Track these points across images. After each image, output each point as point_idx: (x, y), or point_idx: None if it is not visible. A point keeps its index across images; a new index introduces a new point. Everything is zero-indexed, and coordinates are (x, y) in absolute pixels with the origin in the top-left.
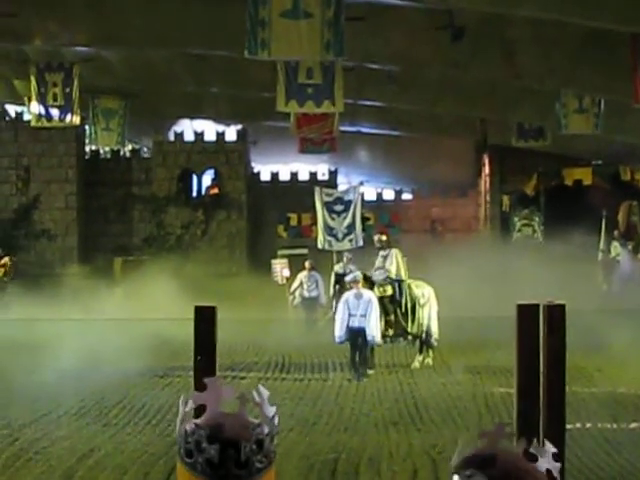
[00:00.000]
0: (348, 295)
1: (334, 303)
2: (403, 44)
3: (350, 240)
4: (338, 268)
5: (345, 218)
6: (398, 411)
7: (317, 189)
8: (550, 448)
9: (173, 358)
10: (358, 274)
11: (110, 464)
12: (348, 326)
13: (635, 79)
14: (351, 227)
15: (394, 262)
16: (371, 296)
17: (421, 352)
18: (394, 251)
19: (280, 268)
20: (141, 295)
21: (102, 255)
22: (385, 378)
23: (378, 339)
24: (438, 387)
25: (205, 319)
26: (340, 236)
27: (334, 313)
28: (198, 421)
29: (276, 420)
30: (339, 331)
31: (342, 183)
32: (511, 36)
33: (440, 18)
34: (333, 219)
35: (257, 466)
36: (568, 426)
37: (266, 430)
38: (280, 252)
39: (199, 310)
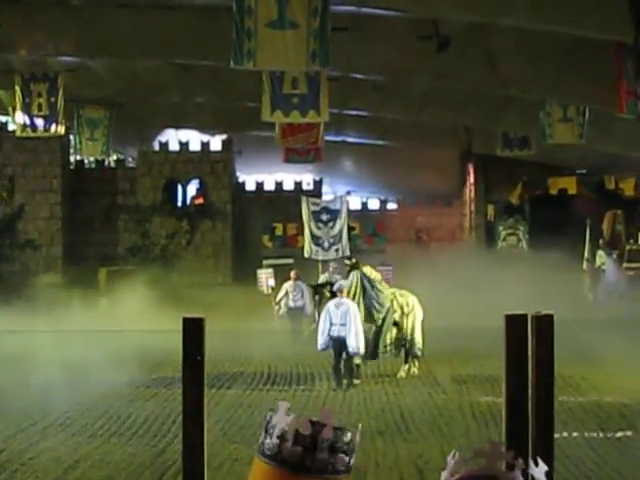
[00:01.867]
0: (330, 304)
1: (316, 313)
2: (388, 54)
3: (336, 250)
4: (323, 278)
5: (332, 228)
6: (384, 421)
7: (304, 198)
8: (543, 467)
9: (158, 369)
10: (343, 283)
11: (96, 475)
12: (330, 335)
13: (619, 88)
14: (337, 237)
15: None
16: (350, 305)
17: (406, 362)
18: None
19: (265, 278)
20: (126, 305)
21: (87, 265)
22: (371, 388)
23: (361, 350)
24: (424, 397)
25: (193, 331)
26: (326, 245)
27: (317, 323)
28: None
29: (357, 440)
30: (321, 339)
31: (327, 193)
32: (496, 46)
33: (425, 28)
34: (319, 228)
35: (329, 468)
36: (555, 435)
37: (346, 439)
38: (265, 262)
39: (187, 322)
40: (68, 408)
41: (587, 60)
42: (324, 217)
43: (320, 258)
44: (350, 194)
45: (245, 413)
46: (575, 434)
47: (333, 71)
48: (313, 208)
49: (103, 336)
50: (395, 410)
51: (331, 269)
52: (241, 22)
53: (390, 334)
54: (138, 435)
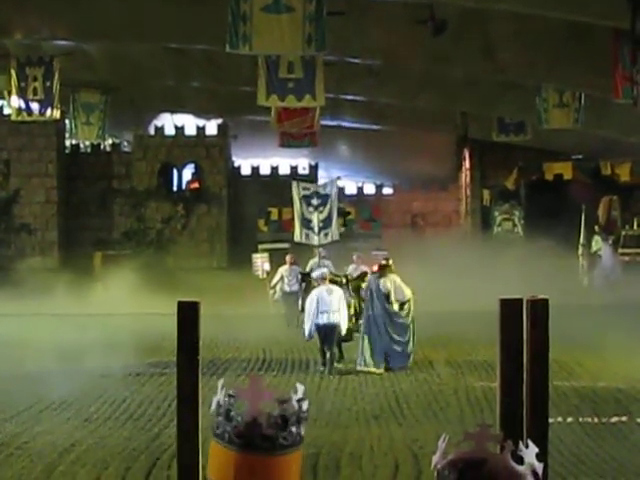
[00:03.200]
0: (320, 291)
1: (300, 301)
2: (384, 38)
3: (326, 234)
4: (312, 263)
5: (322, 212)
6: (379, 405)
7: (294, 183)
8: (533, 448)
9: (154, 353)
10: (325, 271)
11: (91, 459)
12: (317, 322)
13: (616, 74)
14: (327, 221)
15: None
16: (340, 292)
17: None
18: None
19: (261, 262)
20: (121, 289)
21: (82, 249)
22: (366, 372)
23: (344, 332)
24: (419, 381)
25: (188, 314)
26: (316, 230)
27: (301, 311)
28: (230, 391)
29: (304, 406)
30: (307, 327)
31: (322, 177)
32: (492, 31)
33: (421, 12)
34: (310, 212)
35: (281, 442)
36: (550, 420)
37: (292, 409)
38: (261, 246)
39: (182, 305)
40: (63, 392)
41: (583, 45)
42: (314, 201)
43: (310, 242)
44: (341, 179)
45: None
46: (570, 419)
47: (329, 55)
48: (304, 192)
49: (98, 320)
50: (390, 395)
51: (319, 255)
52: (237, 6)
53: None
54: (133, 419)
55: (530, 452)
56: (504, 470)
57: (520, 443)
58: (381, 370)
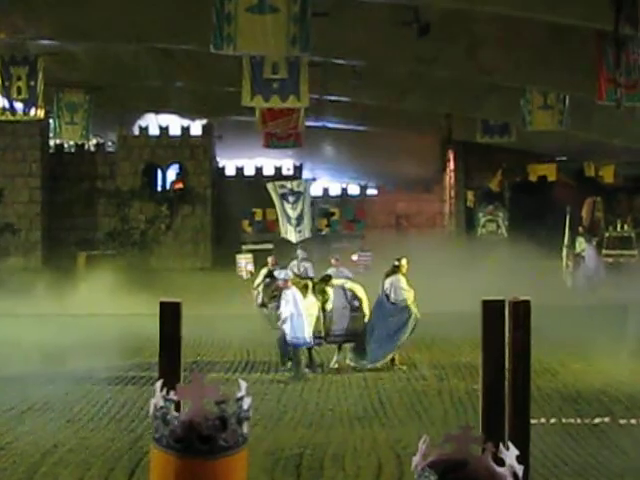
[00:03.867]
0: (294, 294)
1: (260, 299)
2: (368, 40)
3: (299, 231)
4: (292, 265)
5: (295, 209)
6: (363, 406)
7: (269, 184)
8: (514, 451)
9: (137, 353)
10: (290, 273)
11: (74, 460)
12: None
13: (600, 76)
14: (300, 219)
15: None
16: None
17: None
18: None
19: (245, 263)
20: (105, 290)
21: (66, 249)
22: (350, 374)
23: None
24: (403, 382)
25: (170, 315)
26: (293, 226)
27: (261, 306)
28: (166, 395)
29: (246, 404)
30: (300, 332)
31: (314, 179)
32: (476, 32)
33: (405, 14)
34: (288, 209)
35: (221, 444)
36: (532, 421)
37: (231, 409)
38: (245, 247)
39: (164, 306)
40: (46, 392)
41: (568, 47)
42: (290, 199)
43: (289, 238)
44: (315, 180)
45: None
46: (553, 420)
47: (314, 56)
48: (281, 191)
49: (82, 320)
50: (373, 396)
51: (299, 257)
52: (221, 6)
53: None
54: (116, 420)
55: (511, 454)
56: (485, 472)
57: (501, 445)
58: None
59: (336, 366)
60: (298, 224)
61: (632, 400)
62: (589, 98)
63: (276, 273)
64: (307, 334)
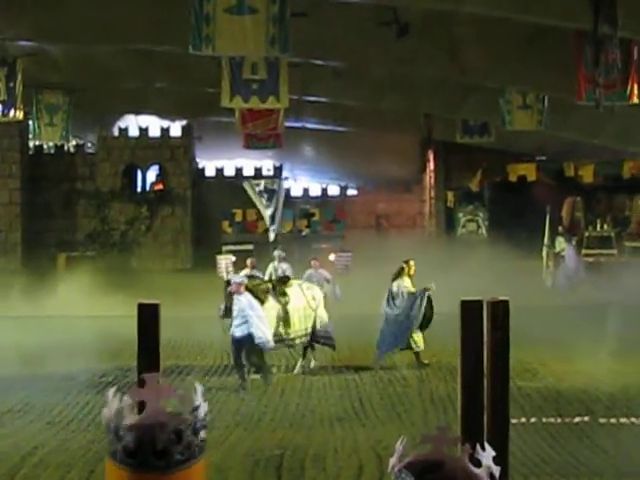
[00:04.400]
0: (249, 299)
1: (223, 307)
2: (348, 40)
3: (273, 230)
4: (272, 267)
5: (269, 207)
6: (343, 407)
7: (246, 183)
8: (491, 452)
9: (117, 356)
10: (244, 277)
11: (54, 462)
12: (234, 334)
13: (578, 76)
14: (274, 217)
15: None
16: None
17: (304, 356)
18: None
19: (225, 264)
20: (84, 291)
21: (46, 251)
22: (330, 374)
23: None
24: (383, 383)
25: (148, 316)
26: (268, 224)
27: (223, 316)
28: (119, 410)
29: (201, 413)
30: (267, 334)
31: (287, 178)
32: (456, 33)
33: (385, 14)
34: (265, 207)
35: (177, 457)
36: (513, 421)
37: (186, 421)
38: (225, 248)
39: (142, 307)
40: (26, 395)
41: (547, 48)
42: (265, 196)
43: (269, 236)
44: (287, 179)
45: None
46: (533, 419)
47: (293, 57)
48: (258, 189)
49: (61, 322)
50: (354, 397)
51: (278, 258)
52: (200, 7)
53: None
54: (96, 422)
55: (487, 455)
56: (462, 473)
57: (477, 446)
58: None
59: (301, 371)
60: (272, 222)
61: (612, 399)
62: (568, 98)
63: (229, 277)
64: (269, 337)
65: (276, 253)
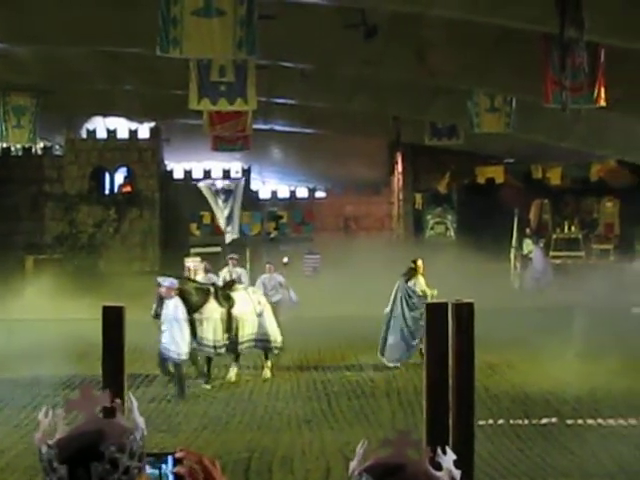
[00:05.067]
0: (175, 304)
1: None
2: (316, 42)
3: (229, 232)
4: (224, 273)
5: (225, 208)
6: (311, 409)
7: (201, 184)
8: (451, 455)
9: (83, 359)
10: (174, 281)
11: (21, 464)
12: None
13: (546, 79)
14: (230, 219)
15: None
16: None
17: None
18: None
19: (193, 266)
20: (52, 294)
21: (13, 253)
22: (299, 376)
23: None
24: (351, 384)
25: (113, 320)
26: (224, 226)
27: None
28: (49, 440)
29: (137, 438)
30: (174, 345)
31: (256, 179)
32: (424, 35)
33: (353, 16)
34: (221, 209)
35: (135, 473)
36: (480, 422)
37: (120, 448)
38: (193, 250)
39: (107, 310)
40: None
41: (514, 50)
42: (222, 197)
43: (225, 239)
44: (243, 180)
45: (169, 404)
46: (501, 421)
47: (261, 59)
48: (214, 189)
49: (29, 325)
50: (322, 398)
51: (231, 263)
52: (167, 9)
53: (243, 330)
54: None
55: (448, 458)
56: (422, 476)
57: (439, 449)
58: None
59: (234, 379)
60: (228, 224)
61: (579, 401)
62: (536, 101)
63: (160, 279)
64: (182, 349)
65: (230, 258)
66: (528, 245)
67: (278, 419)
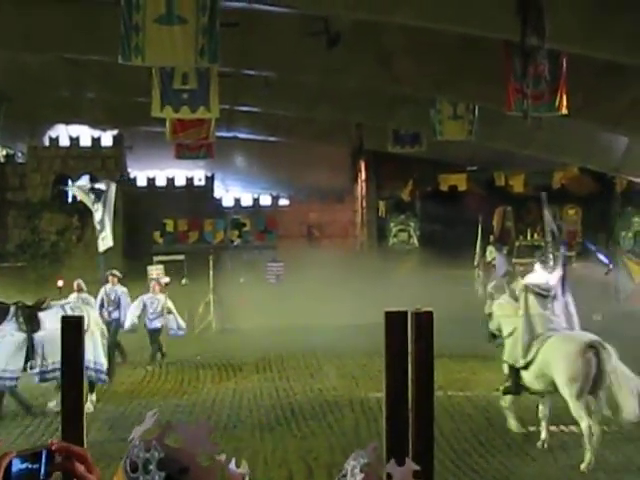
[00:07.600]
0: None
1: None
2: (278, 50)
3: (103, 238)
4: (103, 293)
5: (96, 211)
6: (274, 417)
7: (74, 187)
8: (412, 466)
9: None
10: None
11: None
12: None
13: (508, 86)
14: (102, 223)
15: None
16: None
17: (92, 391)
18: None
19: (156, 274)
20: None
21: None
22: (262, 384)
23: None
24: (314, 393)
25: (72, 330)
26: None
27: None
28: (157, 440)
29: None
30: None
31: (219, 187)
32: (387, 43)
33: (315, 24)
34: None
35: None
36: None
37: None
38: (156, 258)
39: (66, 320)
40: None
41: (477, 58)
42: (92, 197)
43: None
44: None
45: (136, 409)
46: (463, 429)
47: (224, 67)
48: (85, 188)
49: None
50: (285, 406)
51: (110, 281)
52: (129, 17)
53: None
54: (26, 434)
55: (404, 469)
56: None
57: (392, 460)
58: None
59: (57, 409)
60: (102, 229)
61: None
62: (498, 108)
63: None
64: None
65: (108, 274)
66: (491, 252)
67: (241, 427)
